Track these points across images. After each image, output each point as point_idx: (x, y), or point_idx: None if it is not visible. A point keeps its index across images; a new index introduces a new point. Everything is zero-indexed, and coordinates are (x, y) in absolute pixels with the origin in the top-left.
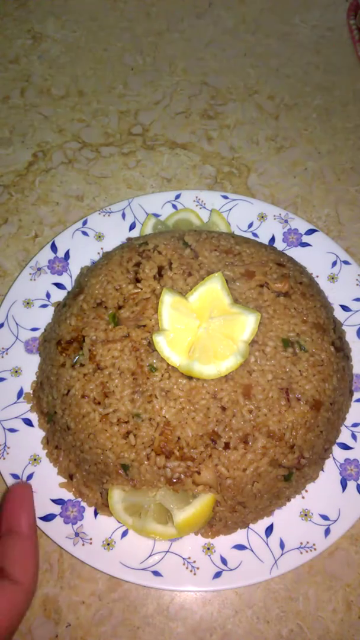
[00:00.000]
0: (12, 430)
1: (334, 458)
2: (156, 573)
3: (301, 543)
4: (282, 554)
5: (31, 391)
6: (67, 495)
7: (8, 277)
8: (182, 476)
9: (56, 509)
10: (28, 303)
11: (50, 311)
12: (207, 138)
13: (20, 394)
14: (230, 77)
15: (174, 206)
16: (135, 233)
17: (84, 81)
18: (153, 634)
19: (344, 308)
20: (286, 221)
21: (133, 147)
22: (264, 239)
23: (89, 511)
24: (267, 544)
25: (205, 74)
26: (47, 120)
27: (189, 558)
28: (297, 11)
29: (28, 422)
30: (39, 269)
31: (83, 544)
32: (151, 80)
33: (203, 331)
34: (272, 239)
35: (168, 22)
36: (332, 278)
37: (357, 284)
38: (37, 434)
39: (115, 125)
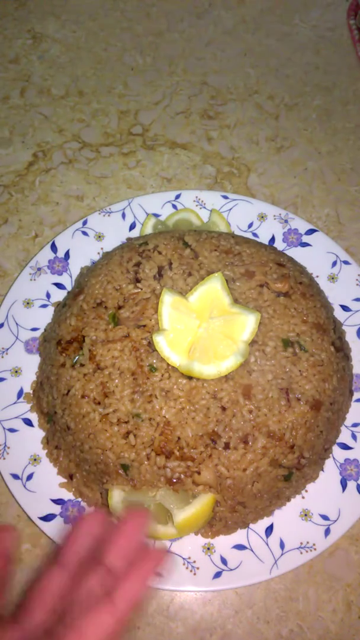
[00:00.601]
0: (12, 430)
1: (334, 458)
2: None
3: (301, 543)
4: (282, 554)
5: (31, 391)
6: (67, 495)
7: (8, 277)
8: (182, 476)
9: (56, 509)
10: (28, 303)
11: (50, 311)
12: (207, 138)
13: (20, 394)
14: (230, 77)
15: (174, 206)
16: (135, 233)
17: (84, 81)
18: (153, 634)
19: (344, 308)
20: (286, 221)
21: (133, 147)
22: (264, 239)
23: (89, 511)
24: (267, 544)
25: (205, 74)
26: (47, 120)
27: (189, 558)
28: (297, 11)
29: (28, 422)
30: (39, 269)
31: None
32: (151, 80)
33: (203, 331)
34: (272, 239)
35: (168, 22)
36: (332, 278)
37: (357, 284)
38: (37, 434)
39: (115, 125)
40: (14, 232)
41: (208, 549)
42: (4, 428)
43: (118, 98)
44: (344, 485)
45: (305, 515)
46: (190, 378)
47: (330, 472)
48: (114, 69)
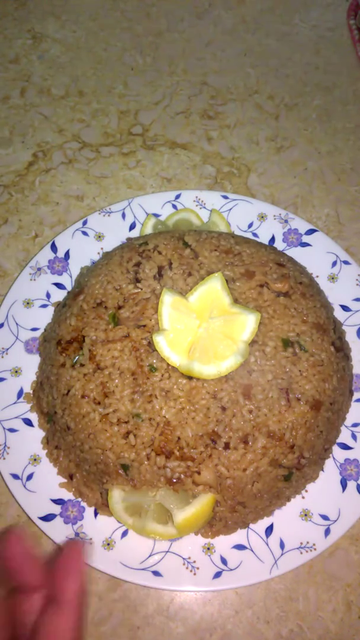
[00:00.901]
0: (12, 430)
1: (334, 458)
2: (156, 573)
3: (301, 543)
4: (282, 554)
5: (31, 391)
6: (67, 495)
7: (8, 277)
8: (182, 476)
9: (56, 509)
10: (28, 303)
11: (50, 311)
12: (207, 138)
13: (20, 394)
14: (230, 77)
15: (174, 206)
16: (135, 233)
17: (84, 81)
18: (153, 634)
19: (344, 308)
20: (286, 221)
21: (133, 147)
22: (264, 239)
23: (89, 511)
24: (267, 544)
25: (205, 74)
26: (47, 120)
27: (189, 558)
28: (297, 11)
29: (28, 422)
30: (39, 269)
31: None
32: (151, 80)
33: (203, 331)
34: (272, 239)
35: (168, 22)
36: (332, 278)
37: (357, 284)
38: (37, 434)
39: (115, 125)
40: (14, 232)
41: (208, 549)
42: (4, 428)
43: (118, 98)
44: (344, 485)
45: (305, 515)
46: (190, 378)
47: (330, 472)
48: (114, 69)
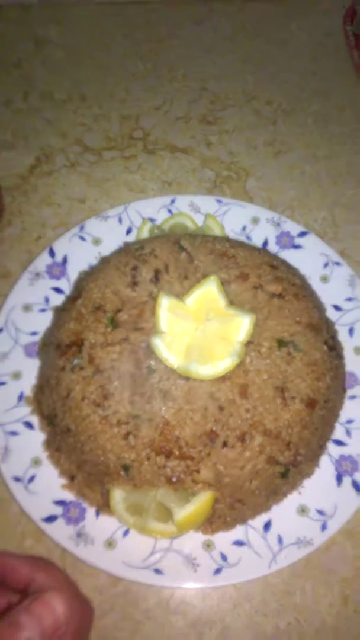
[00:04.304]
0: (13, 433)
1: (329, 454)
2: (157, 571)
3: (299, 538)
4: (280, 550)
5: (31, 394)
6: (68, 496)
7: (12, 278)
8: (182, 475)
9: (58, 510)
10: (27, 308)
11: (49, 315)
12: (207, 143)
13: (20, 397)
14: (229, 83)
15: (170, 211)
16: (131, 237)
17: (86, 86)
18: (153, 628)
19: (336, 308)
20: (279, 224)
21: (134, 151)
22: (258, 242)
23: (91, 512)
24: (266, 540)
25: (205, 79)
26: (49, 124)
27: (190, 555)
28: (294, 18)
29: (29, 425)
30: (37, 274)
31: (85, 545)
32: (152, 86)
33: (200, 333)
34: (265, 242)
35: (168, 29)
36: (324, 279)
37: (349, 284)
38: (38, 436)
39: (117, 130)
40: (18, 233)
41: (208, 545)
42: (5, 431)
43: (119, 103)
44: (339, 480)
45: (303, 511)
46: (187, 379)
47: (325, 469)
48: (115, 75)
